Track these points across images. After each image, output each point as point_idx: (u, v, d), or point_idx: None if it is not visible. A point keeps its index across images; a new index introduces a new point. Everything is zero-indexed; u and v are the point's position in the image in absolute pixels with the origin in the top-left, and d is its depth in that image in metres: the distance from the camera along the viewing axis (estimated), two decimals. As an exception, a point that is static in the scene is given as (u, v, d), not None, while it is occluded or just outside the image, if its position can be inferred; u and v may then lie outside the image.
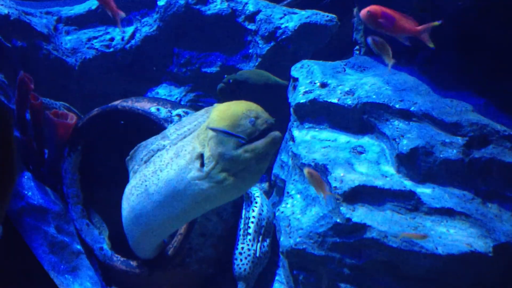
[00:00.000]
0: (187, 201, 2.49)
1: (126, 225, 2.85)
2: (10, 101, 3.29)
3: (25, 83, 3.11)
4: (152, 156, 2.68)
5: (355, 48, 3.83)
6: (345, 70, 3.36)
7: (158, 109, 3.15)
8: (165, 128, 2.96)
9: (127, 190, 2.77)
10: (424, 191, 2.71)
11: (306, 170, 2.58)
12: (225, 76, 3.66)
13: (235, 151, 2.31)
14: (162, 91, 4.10)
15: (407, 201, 2.68)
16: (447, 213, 2.61)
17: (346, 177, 2.73)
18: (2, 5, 3.69)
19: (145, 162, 2.70)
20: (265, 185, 3.84)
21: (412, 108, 2.89)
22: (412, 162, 2.78)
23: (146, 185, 2.63)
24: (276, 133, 2.36)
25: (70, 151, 3.24)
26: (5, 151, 0.81)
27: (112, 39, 4.13)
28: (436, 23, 2.56)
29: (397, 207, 2.69)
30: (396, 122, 2.91)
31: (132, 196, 2.71)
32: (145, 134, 2.81)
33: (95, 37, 4.10)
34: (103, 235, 3.27)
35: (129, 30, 4.19)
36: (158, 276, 3.07)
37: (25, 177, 3.27)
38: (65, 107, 3.61)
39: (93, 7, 4.21)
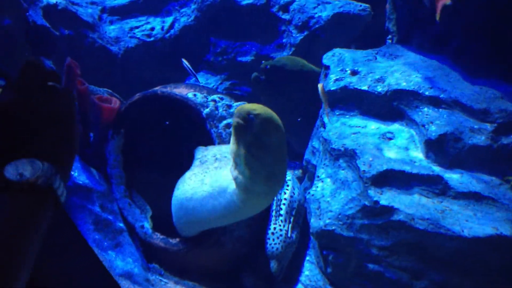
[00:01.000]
0: (226, 199, 2.64)
1: (175, 205, 2.99)
2: (58, 87, 3.44)
3: (72, 69, 3.26)
4: (225, 158, 2.82)
5: (388, 37, 3.86)
6: (376, 58, 3.40)
7: (195, 95, 3.28)
8: (201, 112, 3.07)
9: (187, 174, 2.94)
10: (452, 176, 2.75)
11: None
12: (263, 62, 3.75)
13: None
14: (200, 79, 4.22)
15: (435, 186, 2.72)
16: (474, 197, 2.64)
17: (374, 162, 2.79)
18: (49, -8, 3.87)
19: (216, 159, 2.86)
20: (298, 172, 3.93)
21: (441, 95, 2.92)
22: (440, 148, 2.82)
23: (204, 175, 2.79)
24: None
25: (114, 134, 3.40)
26: (69, 127, 0.93)
27: (152, 28, 4.27)
28: None
29: (425, 191, 2.74)
30: (425, 109, 2.95)
31: (190, 180, 2.87)
32: (183, 118, 2.93)
33: (137, 27, 4.25)
34: (144, 214, 3.41)
35: (168, 20, 4.32)
36: (195, 254, 3.20)
37: (72, 158, 3.43)
38: (108, 93, 3.77)
39: (136, -2, 4.36)
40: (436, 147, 2.82)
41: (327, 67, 3.43)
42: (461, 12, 3.13)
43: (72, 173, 3.40)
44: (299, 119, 3.72)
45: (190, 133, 3.37)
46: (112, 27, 4.20)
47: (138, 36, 4.19)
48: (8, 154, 0.85)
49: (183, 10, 4.34)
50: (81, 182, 3.36)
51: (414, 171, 2.75)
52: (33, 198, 0.83)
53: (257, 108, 2.42)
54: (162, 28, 4.25)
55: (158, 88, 3.36)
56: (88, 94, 3.32)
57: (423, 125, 2.89)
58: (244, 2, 4.20)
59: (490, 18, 3.10)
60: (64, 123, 0.92)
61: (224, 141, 3.13)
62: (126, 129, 3.41)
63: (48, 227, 0.85)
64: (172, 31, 4.28)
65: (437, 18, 3.04)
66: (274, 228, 3.19)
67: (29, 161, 0.84)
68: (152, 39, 4.21)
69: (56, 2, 3.81)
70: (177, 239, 3.21)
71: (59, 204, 0.88)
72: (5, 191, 0.82)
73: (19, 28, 3.52)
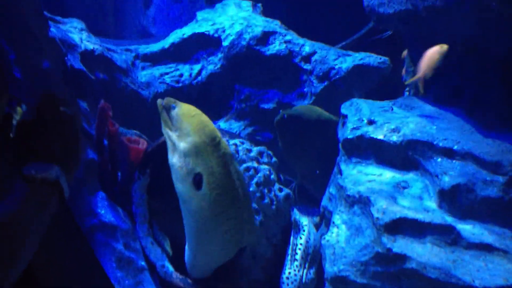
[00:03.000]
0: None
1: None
2: (91, 127, 3.60)
3: (104, 111, 3.40)
4: None
5: (405, 89, 3.93)
6: (392, 109, 3.47)
7: (218, 139, 3.38)
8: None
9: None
10: (465, 227, 2.75)
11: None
12: (280, 111, 3.86)
13: None
14: (223, 124, 4.35)
15: (447, 235, 2.73)
16: (485, 248, 2.64)
17: (388, 209, 2.82)
18: (88, 41, 4.08)
19: None
20: (317, 218, 3.95)
21: (455, 147, 2.96)
22: (453, 199, 2.83)
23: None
24: None
25: (140, 174, 3.50)
26: (74, 141, 1.23)
27: (181, 75, 4.44)
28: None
29: (437, 240, 2.74)
30: (439, 160, 2.98)
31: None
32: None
33: (167, 73, 4.43)
34: (164, 253, 3.46)
35: (196, 67, 4.49)
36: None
37: (99, 197, 3.52)
38: (136, 135, 3.91)
39: (166, 46, 4.56)
40: (449, 198, 2.84)
41: (345, 116, 3.51)
42: (475, 69, 3.20)
43: (99, 211, 3.49)
44: (317, 171, 3.78)
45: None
46: (144, 72, 4.38)
47: (167, 82, 4.36)
48: (27, 157, 1.15)
49: (210, 58, 4.52)
50: (106, 220, 3.42)
51: (427, 220, 2.77)
52: (44, 189, 1.12)
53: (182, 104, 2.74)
54: (190, 75, 4.42)
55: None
56: (118, 135, 3.45)
57: (437, 175, 2.92)
58: (268, 53, 4.35)
59: (504, 71, 3.16)
60: (71, 138, 1.23)
61: (243, 184, 3.19)
62: (151, 169, 3.51)
63: (53, 217, 1.14)
64: (199, 77, 4.45)
65: (421, 91, 3.20)
66: (289, 273, 3.21)
67: (44, 163, 1.15)
68: (180, 85, 4.38)
69: (93, 48, 4.01)
70: (196, 280, 3.24)
71: (63, 198, 1.17)
72: (24, 182, 1.11)
73: (57, 71, 3.71)
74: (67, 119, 1.23)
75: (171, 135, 2.73)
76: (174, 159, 2.72)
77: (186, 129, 2.67)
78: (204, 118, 2.73)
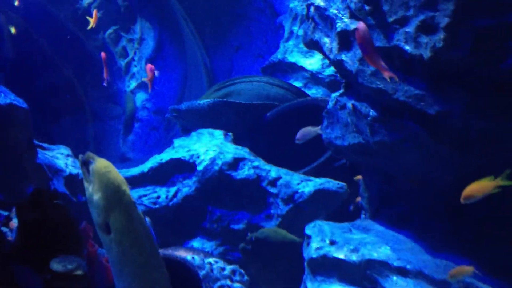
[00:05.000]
0: None
1: None
2: (72, 248, 3.70)
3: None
4: None
5: (362, 212, 4.26)
6: (351, 231, 3.76)
7: (193, 257, 3.55)
8: (198, 274, 3.31)
9: None
10: None
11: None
12: (248, 234, 4.11)
13: None
14: (196, 244, 4.53)
15: None
16: None
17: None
18: (73, 166, 4.32)
19: None
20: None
21: (407, 266, 3.22)
22: (409, 315, 3.03)
23: None
24: None
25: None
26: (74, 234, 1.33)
27: (158, 197, 4.69)
28: None
29: None
30: (394, 278, 3.22)
31: None
32: (181, 278, 3.15)
33: (145, 195, 4.67)
34: None
35: (172, 190, 4.76)
36: None
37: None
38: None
39: (145, 170, 4.86)
40: (406, 314, 3.03)
41: (309, 237, 3.76)
42: (421, 197, 3.58)
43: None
44: None
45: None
46: (123, 195, 4.60)
47: (145, 204, 4.59)
48: (44, 252, 1.20)
49: (185, 181, 4.81)
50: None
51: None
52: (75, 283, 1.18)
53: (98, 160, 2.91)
54: (167, 197, 4.67)
55: (160, 251, 3.62)
56: (97, 256, 3.55)
57: (393, 293, 3.14)
58: (238, 177, 4.68)
59: (447, 200, 3.52)
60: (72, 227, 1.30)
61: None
62: None
63: None
64: (175, 199, 4.70)
65: None
66: None
67: (67, 257, 1.20)
68: (157, 206, 4.61)
69: (78, 172, 4.24)
70: None
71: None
72: (55, 281, 1.15)
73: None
74: (64, 211, 1.34)
75: (87, 187, 2.94)
76: (91, 209, 2.92)
77: (97, 183, 2.91)
78: (112, 174, 2.95)
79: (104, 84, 5.30)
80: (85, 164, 2.96)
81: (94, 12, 6.01)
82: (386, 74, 2.85)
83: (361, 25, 2.89)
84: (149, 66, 4.85)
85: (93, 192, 2.93)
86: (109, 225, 2.81)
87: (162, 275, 2.89)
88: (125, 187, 2.96)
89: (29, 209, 1.32)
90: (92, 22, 5.71)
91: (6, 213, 3.47)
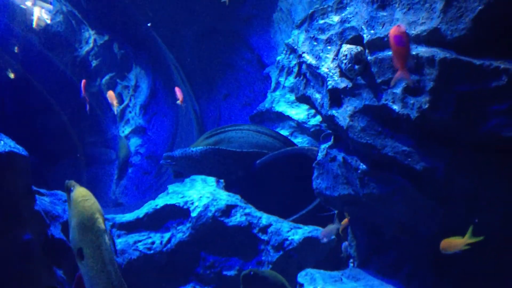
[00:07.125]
0: None
1: None
2: (67, 294, 3.64)
3: (81, 280, 3.49)
4: None
5: (350, 261, 4.31)
6: (341, 280, 3.80)
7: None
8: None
9: None
10: None
11: None
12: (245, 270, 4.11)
13: None
14: (189, 291, 4.52)
15: None
16: None
17: None
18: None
19: None
20: None
21: (395, 315, 3.26)
22: None
23: None
24: None
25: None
26: None
27: (153, 242, 4.68)
28: None
29: None
30: (384, 326, 3.25)
31: None
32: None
33: (140, 241, 4.66)
34: None
35: (167, 235, 4.76)
36: None
37: None
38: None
39: (141, 216, 4.86)
40: None
41: (302, 285, 3.78)
42: (410, 246, 3.65)
43: None
44: None
45: None
46: (119, 240, 4.59)
47: (140, 249, 4.57)
48: None
49: (179, 227, 4.82)
50: None
51: None
52: None
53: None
54: (161, 243, 4.66)
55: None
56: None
57: None
58: (230, 224, 4.72)
59: (432, 250, 3.59)
60: None
61: None
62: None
63: None
64: (169, 245, 4.69)
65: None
66: None
67: None
68: (152, 251, 4.59)
69: (65, 218, 4.21)
70: None
71: None
72: None
73: (37, 242, 3.83)
74: None
75: (68, 212, 3.02)
76: (70, 233, 2.98)
77: (73, 210, 3.00)
78: (87, 203, 3.03)
79: (87, 110, 5.46)
80: (68, 191, 3.07)
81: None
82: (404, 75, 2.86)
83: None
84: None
85: (71, 217, 3.05)
86: (82, 251, 2.95)
87: None
88: (99, 215, 3.09)
89: None
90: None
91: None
